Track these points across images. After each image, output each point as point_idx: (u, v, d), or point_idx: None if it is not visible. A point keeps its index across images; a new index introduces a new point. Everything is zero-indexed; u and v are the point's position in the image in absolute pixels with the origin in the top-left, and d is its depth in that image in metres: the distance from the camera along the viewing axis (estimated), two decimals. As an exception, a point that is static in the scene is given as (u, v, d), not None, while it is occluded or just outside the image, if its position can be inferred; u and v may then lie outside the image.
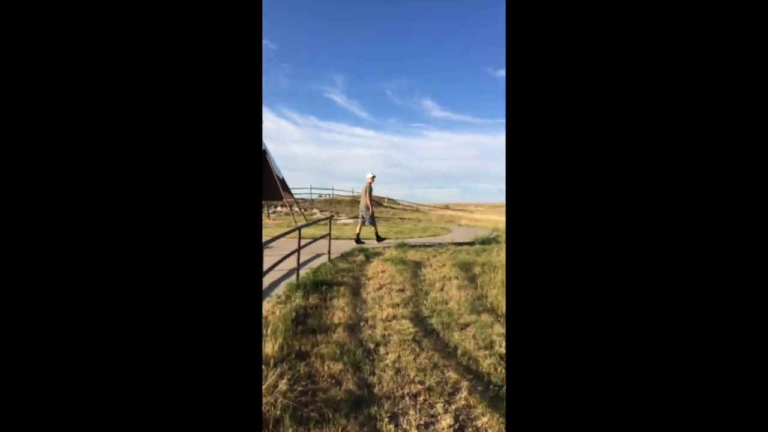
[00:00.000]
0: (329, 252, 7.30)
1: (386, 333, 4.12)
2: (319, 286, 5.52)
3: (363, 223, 9.33)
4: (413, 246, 9.07)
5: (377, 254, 8.14)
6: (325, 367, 3.22)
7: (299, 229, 5.59)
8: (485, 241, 10.27)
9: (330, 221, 7.43)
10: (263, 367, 3.05)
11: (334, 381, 3.04)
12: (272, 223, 17.00)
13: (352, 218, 21.47)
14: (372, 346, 3.77)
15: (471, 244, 10.13)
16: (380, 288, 5.76)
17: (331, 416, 2.54)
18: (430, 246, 9.33)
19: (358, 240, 9.26)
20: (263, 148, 15.81)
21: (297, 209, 18.86)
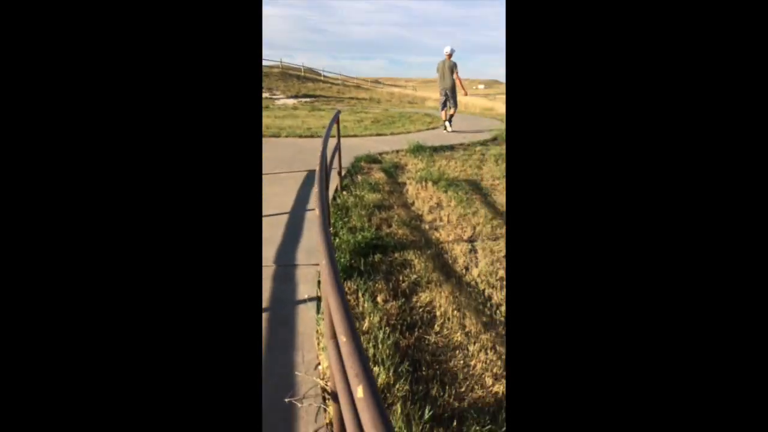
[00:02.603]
0: (340, 172, 4.35)
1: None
2: (370, 256, 2.80)
3: (445, 106, 8.02)
4: (432, 148, 6.31)
5: (398, 168, 5.32)
6: None
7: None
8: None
9: (337, 127, 4.15)
10: None
11: None
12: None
13: (292, 97, 17.38)
14: None
15: (494, 140, 7.59)
16: (492, 260, 3.16)
17: None
18: (449, 148, 6.65)
19: (446, 126, 8.17)
20: None
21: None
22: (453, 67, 7.82)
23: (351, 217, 3.44)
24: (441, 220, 3.67)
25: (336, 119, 4.00)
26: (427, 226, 3.50)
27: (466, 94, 8.39)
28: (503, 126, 9.20)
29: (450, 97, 7.96)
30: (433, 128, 8.86)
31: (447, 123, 8.18)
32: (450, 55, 7.86)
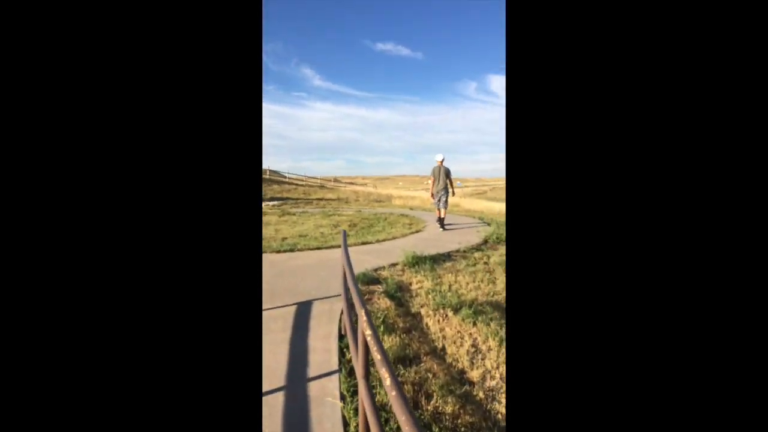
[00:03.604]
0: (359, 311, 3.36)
1: None
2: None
3: (439, 205, 8.40)
4: (431, 258, 5.51)
5: (403, 289, 4.40)
6: None
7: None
8: (501, 238, 7.21)
9: (345, 251, 3.25)
10: None
11: None
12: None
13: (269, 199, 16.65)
14: None
15: (486, 243, 6.97)
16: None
17: None
18: (447, 256, 5.91)
19: (442, 224, 8.49)
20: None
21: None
22: (448, 173, 8.29)
23: (376, 388, 2.40)
24: (492, 376, 2.71)
25: (345, 242, 3.16)
26: (480, 393, 2.51)
27: (453, 195, 8.65)
28: (484, 225, 8.95)
29: (444, 197, 8.31)
30: (417, 231, 8.23)
31: (440, 221, 8.54)
32: (442, 161, 8.24)
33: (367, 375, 1.60)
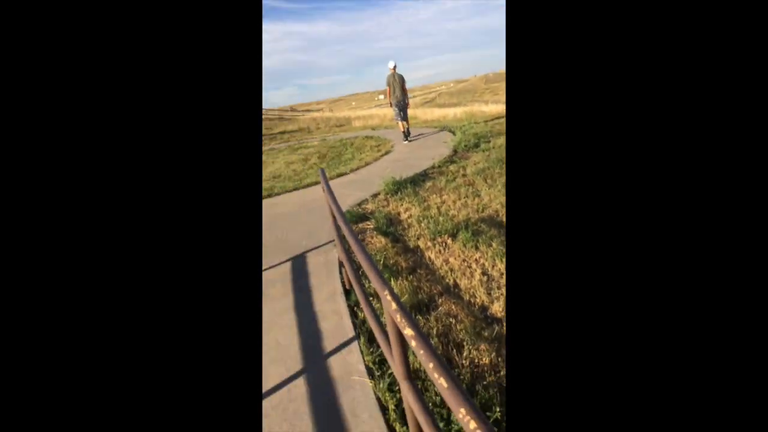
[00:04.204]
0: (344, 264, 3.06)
1: None
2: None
3: (400, 117, 7.96)
4: (411, 182, 5.20)
5: (393, 222, 4.11)
6: None
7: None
8: (469, 145, 6.91)
9: (329, 191, 2.84)
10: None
11: None
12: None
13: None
14: None
15: (456, 153, 6.66)
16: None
17: None
18: (424, 175, 5.61)
19: (407, 136, 8.17)
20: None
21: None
22: (402, 80, 7.68)
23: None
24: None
25: (327, 183, 2.76)
26: (510, 329, 2.35)
27: (408, 106, 8.05)
28: (447, 133, 8.67)
29: (403, 108, 7.80)
30: (386, 153, 7.76)
31: (405, 134, 8.04)
32: (395, 68, 7.59)
33: (410, 375, 1.33)
